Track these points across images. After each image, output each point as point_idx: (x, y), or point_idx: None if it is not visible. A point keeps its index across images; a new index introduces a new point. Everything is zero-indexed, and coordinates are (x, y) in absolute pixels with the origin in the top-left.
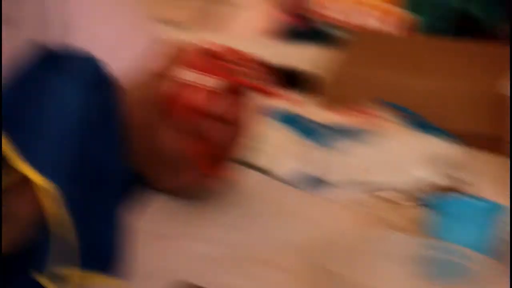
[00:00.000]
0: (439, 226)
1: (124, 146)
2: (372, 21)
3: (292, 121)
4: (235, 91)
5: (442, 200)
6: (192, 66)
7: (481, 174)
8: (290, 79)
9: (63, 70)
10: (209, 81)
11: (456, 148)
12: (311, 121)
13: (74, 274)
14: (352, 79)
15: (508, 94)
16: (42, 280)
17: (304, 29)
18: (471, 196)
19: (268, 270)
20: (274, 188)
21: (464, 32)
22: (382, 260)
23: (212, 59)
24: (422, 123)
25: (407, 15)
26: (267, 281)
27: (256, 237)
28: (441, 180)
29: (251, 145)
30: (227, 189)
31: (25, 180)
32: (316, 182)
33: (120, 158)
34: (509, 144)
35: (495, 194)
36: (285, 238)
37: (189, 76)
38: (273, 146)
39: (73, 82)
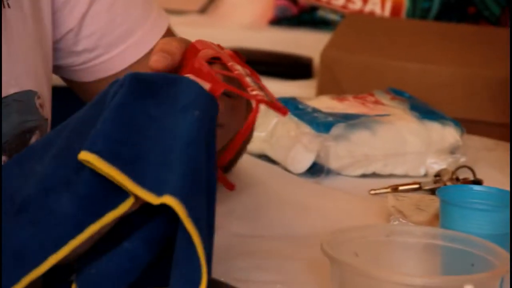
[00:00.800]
0: (453, 216)
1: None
2: (370, 6)
3: (291, 107)
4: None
5: (455, 189)
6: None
7: (487, 161)
8: (288, 66)
9: (167, 98)
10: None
11: (459, 134)
12: (312, 108)
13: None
14: (347, 64)
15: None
16: None
17: (300, 14)
18: (483, 185)
19: (281, 261)
20: (282, 179)
21: (464, 17)
22: (397, 251)
23: (207, 66)
24: (421, 107)
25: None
26: (280, 271)
27: (265, 229)
28: (450, 168)
29: (254, 135)
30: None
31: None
32: (321, 171)
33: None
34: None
35: (503, 182)
36: (297, 230)
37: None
38: (278, 134)
39: (183, 112)
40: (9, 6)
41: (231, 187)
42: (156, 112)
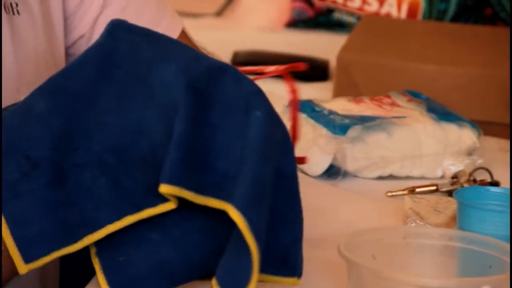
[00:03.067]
0: (471, 217)
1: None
2: (386, 7)
3: (308, 109)
4: None
5: (472, 191)
6: None
7: (503, 163)
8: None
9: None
10: None
11: (476, 136)
12: (328, 111)
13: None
14: (363, 66)
15: None
16: None
17: (317, 16)
18: (500, 187)
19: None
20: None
21: (481, 19)
22: (413, 253)
23: None
24: (438, 109)
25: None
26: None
27: None
28: (468, 170)
29: None
30: None
31: None
32: (338, 173)
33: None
34: None
35: None
36: (314, 232)
37: None
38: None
39: (246, 114)
40: (18, 13)
41: (303, 160)
42: (216, 119)
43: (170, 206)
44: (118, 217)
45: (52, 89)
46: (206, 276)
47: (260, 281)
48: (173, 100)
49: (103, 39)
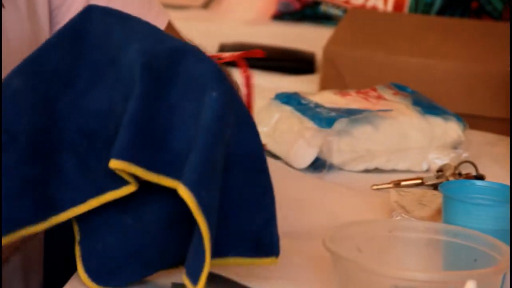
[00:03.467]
0: (456, 211)
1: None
2: (372, 0)
3: (294, 102)
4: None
5: (457, 184)
6: None
7: (489, 156)
8: (291, 61)
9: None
10: None
11: (462, 129)
12: (314, 103)
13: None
14: (349, 59)
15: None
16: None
17: (303, 9)
18: (485, 180)
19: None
20: (285, 174)
21: (467, 12)
22: (399, 246)
23: None
24: (423, 103)
25: None
26: (282, 267)
27: None
28: (453, 163)
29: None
30: None
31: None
32: (323, 166)
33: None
34: None
35: (505, 177)
36: (299, 225)
37: None
38: (281, 129)
39: (201, 93)
40: (3, 7)
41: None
42: (174, 98)
43: (131, 188)
44: (83, 200)
45: (27, 68)
46: (181, 264)
47: (237, 265)
48: (133, 81)
49: (77, 20)
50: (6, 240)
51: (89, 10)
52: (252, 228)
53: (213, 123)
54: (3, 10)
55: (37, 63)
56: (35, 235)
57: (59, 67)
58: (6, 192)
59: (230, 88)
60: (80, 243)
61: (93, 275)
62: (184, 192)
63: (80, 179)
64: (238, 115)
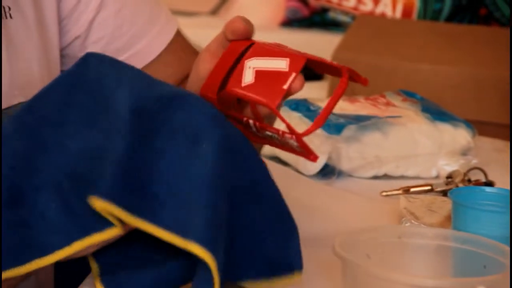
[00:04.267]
0: (465, 217)
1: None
2: (381, 7)
3: (303, 108)
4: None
5: (467, 191)
6: None
7: (498, 163)
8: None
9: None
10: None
11: (471, 136)
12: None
13: None
14: (358, 65)
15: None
16: None
17: (312, 15)
18: (495, 187)
19: None
20: (294, 180)
21: (475, 19)
22: (408, 252)
23: (274, 45)
24: (432, 109)
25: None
26: None
27: None
28: (462, 170)
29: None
30: None
31: None
32: (332, 172)
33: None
34: None
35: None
36: (308, 232)
37: None
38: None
39: (194, 144)
40: (11, 17)
41: (314, 158)
42: (160, 143)
43: (116, 231)
44: (68, 243)
45: (22, 113)
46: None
47: None
48: (121, 124)
49: (75, 67)
50: None
51: (87, 57)
52: (265, 253)
53: (210, 177)
54: (10, 20)
55: (32, 108)
56: (27, 275)
57: (52, 111)
58: None
59: (227, 131)
60: (101, 276)
61: None
62: (203, 252)
63: (63, 221)
64: (238, 151)
